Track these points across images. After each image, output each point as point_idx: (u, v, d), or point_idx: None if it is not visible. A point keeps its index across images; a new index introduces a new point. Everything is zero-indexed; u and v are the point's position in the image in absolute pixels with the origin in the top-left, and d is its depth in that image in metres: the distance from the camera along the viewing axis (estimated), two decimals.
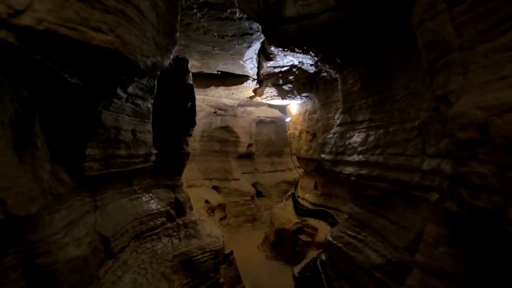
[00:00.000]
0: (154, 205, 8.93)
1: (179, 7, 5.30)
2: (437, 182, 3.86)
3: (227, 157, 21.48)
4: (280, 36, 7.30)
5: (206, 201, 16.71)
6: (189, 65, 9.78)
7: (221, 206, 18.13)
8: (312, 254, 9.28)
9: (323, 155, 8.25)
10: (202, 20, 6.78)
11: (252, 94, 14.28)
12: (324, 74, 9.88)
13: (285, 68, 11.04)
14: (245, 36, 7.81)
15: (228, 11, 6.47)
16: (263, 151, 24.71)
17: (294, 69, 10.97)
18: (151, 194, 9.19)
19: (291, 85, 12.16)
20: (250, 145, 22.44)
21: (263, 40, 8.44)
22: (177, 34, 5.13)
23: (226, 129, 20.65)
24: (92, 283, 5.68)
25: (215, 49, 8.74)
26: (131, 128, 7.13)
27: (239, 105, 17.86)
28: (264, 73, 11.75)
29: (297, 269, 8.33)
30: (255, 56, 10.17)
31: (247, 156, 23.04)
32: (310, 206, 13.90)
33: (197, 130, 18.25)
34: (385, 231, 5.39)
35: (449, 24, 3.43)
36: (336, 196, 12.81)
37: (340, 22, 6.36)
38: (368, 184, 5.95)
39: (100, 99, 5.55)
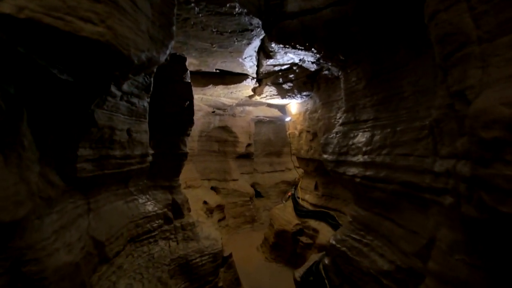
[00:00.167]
0: (150, 207, 8.68)
1: None
2: (451, 185, 3.61)
3: (225, 157, 21.27)
4: (281, 32, 7.03)
5: (205, 202, 16.45)
6: (187, 63, 9.55)
7: (220, 207, 17.89)
8: (313, 257, 9.03)
9: (325, 156, 7.99)
10: (200, 15, 6.50)
11: (251, 93, 14.05)
12: (326, 72, 9.62)
13: (285, 66, 10.80)
14: (244, 33, 7.54)
15: (228, 5, 6.20)
16: (262, 151, 24.57)
17: (294, 67, 10.73)
18: (147, 196, 8.94)
19: (291, 84, 11.90)
20: (249, 145, 22.26)
21: (263, 37, 8.17)
22: (174, 28, 4.86)
23: (225, 129, 20.46)
24: None
25: (214, 46, 8.47)
26: (126, 128, 6.87)
27: (238, 105, 17.63)
28: (263, 72, 11.50)
29: (298, 273, 8.07)
30: (255, 54, 9.91)
31: (246, 156, 22.86)
32: (310, 207, 13.67)
33: (195, 130, 18.03)
34: (392, 235, 5.13)
35: (467, 15, 3.18)
36: (337, 197, 12.58)
37: (344, 16, 6.11)
38: (374, 186, 5.70)
39: (92, 97, 5.28)
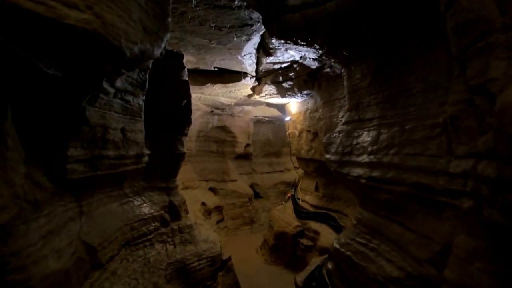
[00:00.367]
0: (147, 209, 8.39)
1: None
2: (470, 187, 3.33)
3: (224, 158, 21.03)
4: (282, 26, 6.74)
5: (203, 204, 16.17)
6: (184, 61, 9.25)
7: (218, 209, 17.63)
8: (315, 260, 8.74)
9: (328, 156, 7.71)
10: (198, 8, 6.21)
11: (250, 92, 13.78)
12: (328, 70, 9.34)
13: (285, 64, 10.53)
14: (244, 28, 7.25)
15: None
16: (261, 152, 24.37)
17: (295, 65, 10.45)
18: (143, 198, 8.64)
19: (291, 82, 11.62)
20: (247, 145, 22.07)
21: (263, 33, 7.89)
22: (169, 19, 4.56)
23: (223, 129, 20.22)
24: None
25: (212, 42, 8.17)
26: (120, 127, 6.58)
27: (237, 104, 17.37)
28: (263, 70, 11.22)
29: (300, 277, 7.78)
30: (254, 52, 9.63)
31: (245, 156, 22.64)
32: (311, 209, 13.40)
33: (193, 129, 17.78)
34: (401, 239, 4.84)
35: (490, 1, 2.90)
36: (339, 198, 12.31)
37: (348, 10, 5.83)
38: (380, 187, 5.41)
39: (83, 94, 4.97)
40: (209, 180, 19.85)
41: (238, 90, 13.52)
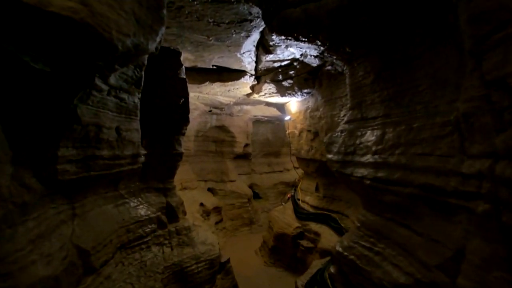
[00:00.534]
0: (143, 211, 8.15)
1: None
2: (486, 189, 3.11)
3: (222, 158, 20.83)
4: (283, 22, 6.50)
5: (201, 204, 15.94)
6: (181, 58, 9.04)
7: (217, 209, 17.40)
8: (316, 263, 8.52)
9: (329, 156, 7.47)
10: (195, 2, 5.96)
11: (250, 91, 13.55)
12: (329, 67, 9.12)
13: (285, 62, 10.29)
14: (243, 23, 7.01)
15: None
16: (260, 152, 24.20)
17: (295, 63, 10.22)
18: (140, 199, 8.40)
19: (291, 81, 11.39)
20: (246, 145, 21.88)
21: (263, 30, 7.65)
22: (165, 12, 4.32)
23: (222, 128, 20.01)
24: None
25: (210, 39, 7.92)
26: (115, 126, 6.34)
27: (236, 104, 17.16)
28: (262, 68, 10.98)
29: (301, 281, 7.55)
30: (254, 49, 9.39)
31: (244, 156, 22.46)
32: (311, 210, 13.20)
33: (192, 129, 17.56)
34: (409, 243, 4.61)
35: None
36: (339, 199, 12.10)
37: (351, 4, 5.59)
38: (386, 189, 5.18)
39: (74, 91, 4.73)
40: (208, 181, 19.64)
41: (237, 89, 13.28)
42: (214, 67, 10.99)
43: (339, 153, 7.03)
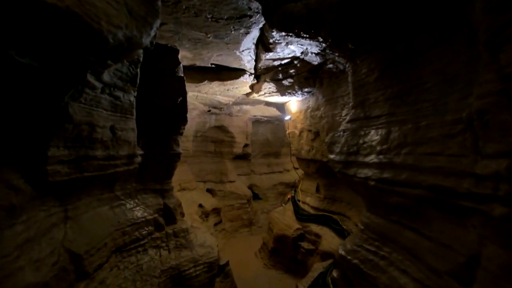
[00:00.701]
0: (140, 213, 7.93)
1: None
2: (504, 191, 2.89)
3: (222, 158, 20.63)
4: (284, 17, 6.27)
5: (200, 205, 15.71)
6: (179, 56, 8.82)
7: (216, 210, 17.18)
8: (317, 266, 8.29)
9: (331, 156, 7.25)
10: None
11: (249, 90, 13.33)
12: (330, 65, 8.89)
13: (285, 61, 10.08)
14: (242, 19, 6.79)
15: None
16: (259, 152, 24.01)
17: (295, 62, 10.00)
18: (136, 201, 8.19)
19: (291, 80, 11.16)
20: (246, 145, 21.70)
21: (263, 26, 7.43)
22: (159, 3, 4.09)
23: (221, 128, 19.81)
24: None
25: (209, 36, 7.70)
26: (109, 125, 6.11)
27: (235, 103, 16.95)
28: (262, 67, 10.76)
29: (302, 285, 7.33)
30: (253, 47, 9.18)
31: (243, 157, 22.27)
32: (311, 211, 12.97)
33: (190, 129, 17.35)
34: (417, 248, 4.39)
35: None
36: (341, 200, 11.89)
37: None
38: (392, 190, 4.95)
39: (65, 88, 4.50)
40: (207, 181, 19.44)
41: (236, 88, 13.07)
42: (213, 65, 10.77)
43: (342, 153, 6.81)
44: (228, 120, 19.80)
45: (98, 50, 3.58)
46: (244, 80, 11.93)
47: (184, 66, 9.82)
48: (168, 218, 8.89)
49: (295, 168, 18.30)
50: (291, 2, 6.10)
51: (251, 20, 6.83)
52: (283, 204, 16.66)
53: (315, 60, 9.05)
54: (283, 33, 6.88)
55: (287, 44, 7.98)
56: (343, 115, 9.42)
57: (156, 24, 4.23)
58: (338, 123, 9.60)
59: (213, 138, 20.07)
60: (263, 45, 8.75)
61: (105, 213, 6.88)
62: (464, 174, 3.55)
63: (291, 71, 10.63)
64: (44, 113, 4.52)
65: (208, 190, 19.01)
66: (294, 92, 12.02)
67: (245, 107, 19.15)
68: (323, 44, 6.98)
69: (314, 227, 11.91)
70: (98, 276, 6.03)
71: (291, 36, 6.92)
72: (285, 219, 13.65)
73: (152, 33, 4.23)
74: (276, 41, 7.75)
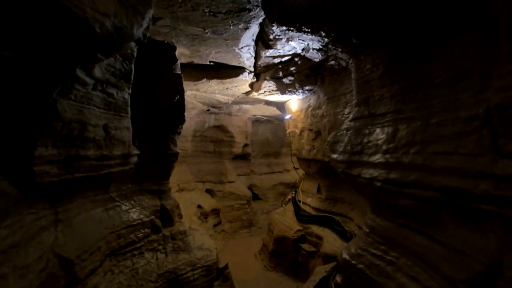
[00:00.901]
0: (135, 215, 7.67)
1: None
2: None
3: (221, 158, 20.41)
4: (284, 10, 6.01)
5: (199, 206, 15.46)
6: (177, 53, 8.55)
7: (215, 211, 16.93)
8: (320, 270, 8.01)
9: (334, 156, 6.97)
10: None
11: (248, 89, 13.09)
12: (332, 62, 8.61)
13: (286, 58, 9.84)
14: (241, 13, 6.52)
15: None
16: (259, 152, 23.82)
17: (296, 59, 9.76)
18: (132, 202, 7.93)
19: (292, 78, 10.90)
20: (245, 145, 21.52)
21: (262, 21, 7.17)
22: None
23: (220, 128, 19.59)
24: None
25: (207, 31, 7.43)
26: (102, 123, 5.84)
27: (234, 102, 16.72)
28: (262, 65, 10.51)
29: None
30: (252, 44, 8.93)
31: (243, 157, 22.10)
32: (313, 212, 12.72)
33: (189, 129, 17.11)
34: (428, 254, 4.11)
35: None
36: (342, 201, 11.63)
37: None
38: (400, 192, 4.67)
39: (53, 83, 4.23)
40: (206, 182, 19.22)
41: (236, 86, 12.82)
42: (211, 63, 10.50)
43: (345, 152, 6.53)
44: (227, 119, 19.60)
45: (85, 41, 3.31)
46: (244, 78, 11.69)
47: (181, 64, 9.57)
48: (165, 220, 8.64)
49: (296, 168, 18.06)
50: None
51: (250, 14, 6.56)
52: (284, 205, 16.40)
53: (317, 57, 8.79)
54: (284, 28, 6.61)
55: (287, 40, 7.72)
56: (345, 113, 9.16)
57: (149, 15, 3.95)
58: (340, 122, 9.34)
59: (212, 138, 19.86)
60: (262, 41, 8.50)
61: (99, 215, 6.62)
62: (481, 175, 3.27)
63: (292, 68, 10.38)
64: (31, 110, 4.26)
65: (207, 191, 18.78)
66: (294, 90, 11.76)
67: (244, 106, 18.94)
68: (326, 39, 6.71)
69: (316, 229, 11.65)
70: (91, 282, 5.77)
71: (292, 30, 6.65)
72: (285, 220, 13.39)
73: (145, 24, 3.95)
74: (277, 37, 7.48)
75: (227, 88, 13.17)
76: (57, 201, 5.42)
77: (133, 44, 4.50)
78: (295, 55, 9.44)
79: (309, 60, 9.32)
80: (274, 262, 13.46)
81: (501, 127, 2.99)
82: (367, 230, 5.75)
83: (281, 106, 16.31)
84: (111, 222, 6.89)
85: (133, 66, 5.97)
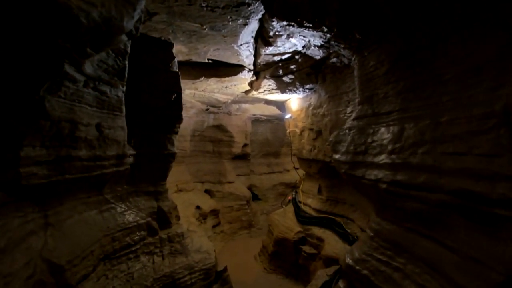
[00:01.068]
0: (131, 217, 7.42)
1: None
2: None
3: (220, 158, 20.17)
4: (285, 4, 5.75)
5: (197, 207, 15.22)
6: (174, 51, 8.31)
7: (214, 212, 16.70)
8: (321, 273, 7.77)
9: (336, 156, 6.73)
10: None
11: (248, 87, 12.85)
12: (334, 59, 8.36)
13: (286, 56, 9.60)
14: (240, 8, 6.27)
15: None
16: (259, 152, 23.62)
17: (296, 56, 9.52)
18: (128, 204, 7.67)
19: (292, 76, 10.65)
20: (245, 145, 21.33)
21: (262, 17, 6.92)
22: None
23: (220, 128, 19.35)
24: None
25: (204, 27, 7.18)
26: (95, 122, 5.59)
27: (234, 102, 16.49)
28: (261, 63, 10.26)
29: None
30: (252, 41, 8.68)
31: (242, 157, 21.89)
32: (313, 213, 12.48)
33: (188, 128, 16.87)
34: (438, 261, 3.87)
35: None
36: (344, 202, 11.39)
37: None
38: (407, 194, 4.43)
39: (40, 79, 3.98)
40: (205, 182, 18.97)
41: (235, 85, 12.57)
42: (210, 61, 10.25)
43: (348, 152, 6.29)
44: (226, 119, 19.35)
45: (71, 33, 3.07)
46: (243, 77, 11.44)
47: (179, 62, 9.33)
48: (162, 222, 8.39)
49: (296, 168, 17.83)
50: None
51: (249, 8, 6.31)
52: (284, 206, 16.17)
53: (318, 54, 8.54)
54: (284, 23, 6.37)
55: (288, 36, 7.48)
56: (347, 112, 8.91)
57: (140, 6, 3.71)
58: (342, 121, 9.09)
59: (211, 138, 19.62)
60: (262, 38, 8.26)
61: (92, 217, 6.38)
62: (498, 177, 3.03)
63: (292, 66, 10.13)
64: (16, 108, 4.01)
65: (206, 191, 18.54)
66: (295, 89, 11.52)
67: (244, 105, 18.70)
68: (328, 35, 6.46)
69: (316, 230, 11.40)
70: None
71: (293, 26, 6.41)
72: (285, 222, 13.14)
73: (136, 16, 3.71)
74: (277, 33, 7.24)
75: (226, 87, 12.92)
76: (46, 204, 5.18)
77: (125, 38, 4.26)
78: (296, 52, 9.19)
79: (310, 57, 9.07)
80: (274, 264, 13.22)
81: None
82: (372, 234, 5.51)
83: (281, 105, 16.07)
84: (106, 224, 6.64)
85: (127, 62, 5.72)
